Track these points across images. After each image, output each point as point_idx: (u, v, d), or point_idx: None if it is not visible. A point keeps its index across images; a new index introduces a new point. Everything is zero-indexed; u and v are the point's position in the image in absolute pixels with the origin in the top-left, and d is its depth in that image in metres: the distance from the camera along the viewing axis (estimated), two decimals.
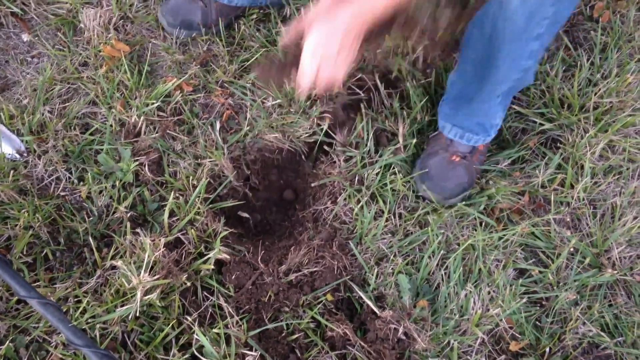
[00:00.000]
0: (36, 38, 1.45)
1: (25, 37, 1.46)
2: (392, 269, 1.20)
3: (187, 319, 1.09)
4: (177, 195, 1.23)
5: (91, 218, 1.21)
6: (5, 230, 1.15)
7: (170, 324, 1.08)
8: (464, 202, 1.31)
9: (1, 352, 1.01)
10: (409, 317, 1.12)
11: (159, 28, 1.49)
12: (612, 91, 1.42)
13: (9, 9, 1.47)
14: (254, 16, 1.53)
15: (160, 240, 1.13)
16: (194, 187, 1.25)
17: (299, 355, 1.09)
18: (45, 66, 1.40)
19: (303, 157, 1.44)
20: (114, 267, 1.13)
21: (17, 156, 1.26)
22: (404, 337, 1.10)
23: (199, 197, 1.23)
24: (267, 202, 1.42)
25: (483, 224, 1.29)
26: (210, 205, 1.25)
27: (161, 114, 1.36)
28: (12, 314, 1.08)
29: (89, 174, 1.25)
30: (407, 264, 1.22)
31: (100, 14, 1.44)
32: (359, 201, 1.28)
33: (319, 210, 1.32)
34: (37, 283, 1.11)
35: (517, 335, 1.17)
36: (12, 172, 1.21)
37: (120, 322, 1.07)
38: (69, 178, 1.27)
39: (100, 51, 1.41)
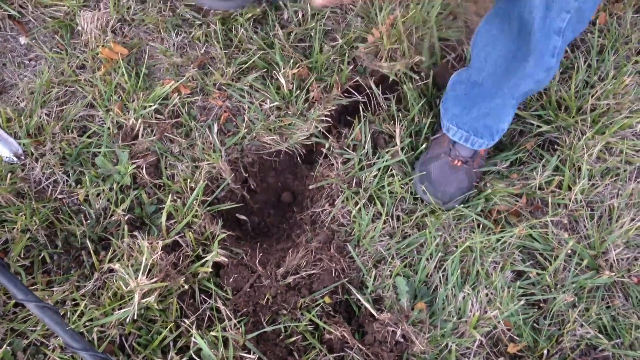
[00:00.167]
0: (33, 41, 1.45)
1: (23, 39, 1.46)
2: (390, 271, 1.20)
3: (184, 322, 1.09)
4: (174, 198, 1.23)
5: (89, 221, 1.21)
6: (3, 233, 1.15)
7: (168, 327, 1.08)
8: (461, 205, 1.31)
9: None
10: (407, 320, 1.12)
11: (156, 30, 1.49)
12: (609, 93, 1.43)
13: (6, 11, 1.47)
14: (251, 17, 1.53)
15: (157, 243, 1.13)
16: (192, 189, 1.25)
17: (297, 357, 1.09)
18: (43, 69, 1.40)
19: (300, 159, 1.44)
20: (111, 270, 1.13)
21: (15, 159, 1.26)
22: (401, 340, 1.10)
23: (197, 199, 1.23)
24: (265, 204, 1.42)
25: (481, 226, 1.29)
26: (208, 208, 1.25)
27: (159, 116, 1.36)
28: (10, 317, 1.08)
29: (87, 176, 1.25)
30: (405, 266, 1.22)
31: (98, 16, 1.44)
32: (356, 203, 1.29)
33: (316, 213, 1.32)
34: (35, 286, 1.11)
35: (515, 337, 1.17)
36: (9, 175, 1.21)
37: (118, 325, 1.07)
38: (67, 181, 1.26)
39: (97, 54, 1.41)
